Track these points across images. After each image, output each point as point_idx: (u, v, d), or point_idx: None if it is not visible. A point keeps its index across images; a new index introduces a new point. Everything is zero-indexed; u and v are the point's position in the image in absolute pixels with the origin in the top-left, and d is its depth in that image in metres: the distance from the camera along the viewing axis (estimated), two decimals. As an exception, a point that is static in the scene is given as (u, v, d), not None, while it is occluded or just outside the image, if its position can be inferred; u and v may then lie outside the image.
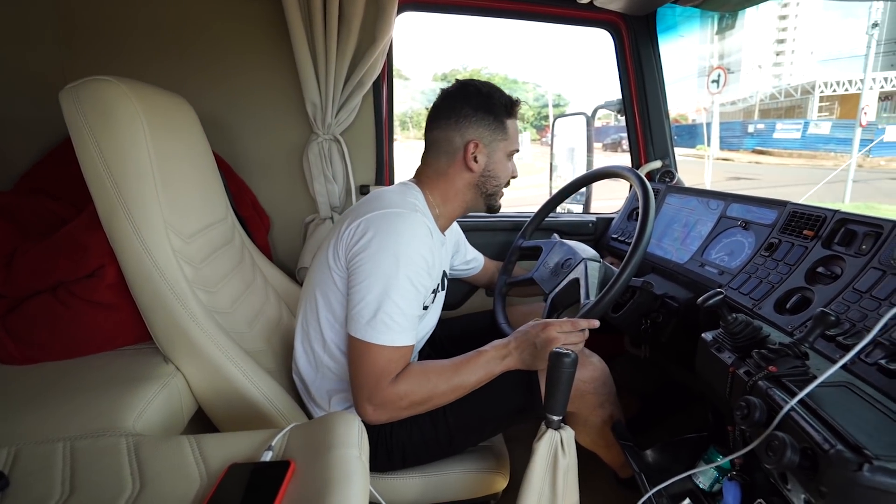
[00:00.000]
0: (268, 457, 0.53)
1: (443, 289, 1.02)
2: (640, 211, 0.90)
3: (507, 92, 0.91)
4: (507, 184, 0.97)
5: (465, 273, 1.25)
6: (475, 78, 0.94)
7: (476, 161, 0.88)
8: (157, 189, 0.78)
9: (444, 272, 1.03)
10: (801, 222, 0.87)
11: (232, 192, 1.20)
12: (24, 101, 1.12)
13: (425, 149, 0.93)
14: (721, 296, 0.70)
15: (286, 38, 1.19)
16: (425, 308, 0.89)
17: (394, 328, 0.75)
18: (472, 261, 1.23)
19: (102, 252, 0.78)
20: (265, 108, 1.31)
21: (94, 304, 0.80)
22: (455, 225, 1.14)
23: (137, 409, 0.67)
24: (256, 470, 0.51)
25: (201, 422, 0.83)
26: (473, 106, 0.87)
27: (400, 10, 1.32)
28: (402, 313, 0.76)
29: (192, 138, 0.98)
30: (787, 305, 0.78)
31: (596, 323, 0.84)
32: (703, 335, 0.77)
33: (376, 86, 1.33)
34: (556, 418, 0.73)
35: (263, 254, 1.23)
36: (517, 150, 0.95)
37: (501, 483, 0.94)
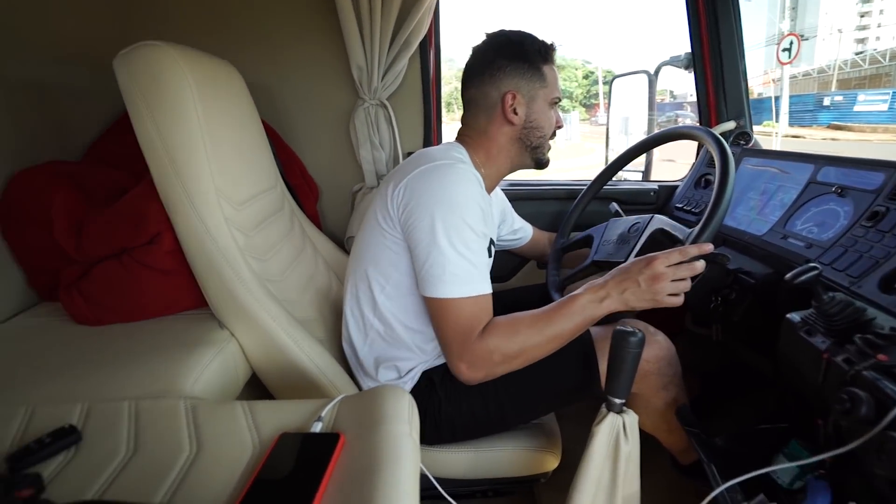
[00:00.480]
0: (318, 428, 0.52)
1: (490, 256, 0.98)
2: (716, 177, 0.80)
3: (540, 38, 0.85)
4: (553, 135, 0.92)
5: (512, 244, 1.20)
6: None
7: (516, 113, 0.84)
8: (208, 156, 0.78)
9: (492, 240, 0.99)
10: (917, 188, 0.75)
11: (281, 160, 1.20)
12: (88, 72, 1.15)
13: (464, 111, 0.89)
14: (817, 271, 0.62)
15: (333, 6, 1.15)
16: None
17: (465, 278, 0.72)
18: (519, 230, 1.18)
19: (159, 219, 0.80)
20: (311, 74, 1.29)
21: (154, 270, 0.83)
22: (500, 193, 1.09)
23: (195, 372, 0.68)
24: (307, 441, 0.50)
25: (258, 388, 0.86)
26: (506, 56, 0.83)
27: (449, -36, 1.23)
28: (469, 262, 0.73)
29: (241, 105, 0.98)
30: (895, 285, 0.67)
31: (709, 247, 0.75)
32: (788, 316, 0.68)
33: (423, 48, 1.27)
34: (618, 401, 0.68)
35: (313, 223, 1.23)
36: (559, 98, 0.90)
37: (552, 462, 0.91)
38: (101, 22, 1.19)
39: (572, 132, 16.59)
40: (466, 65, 0.88)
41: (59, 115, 1.08)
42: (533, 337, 0.75)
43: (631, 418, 0.70)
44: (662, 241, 0.92)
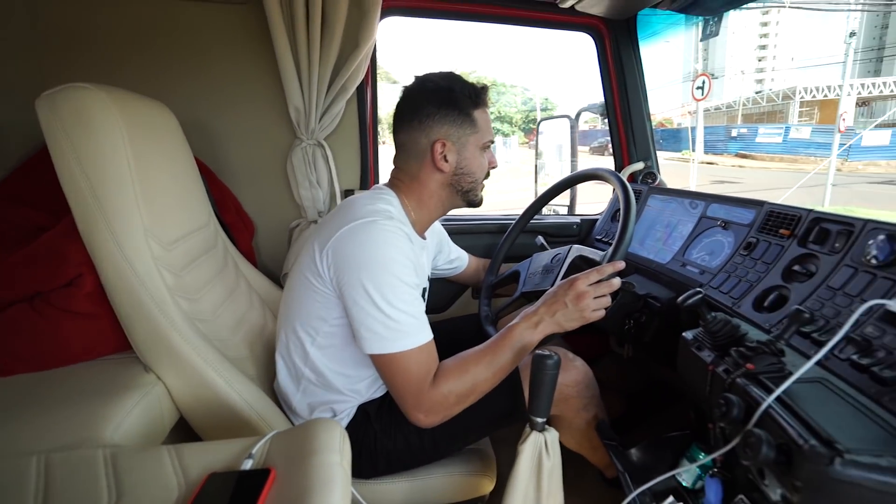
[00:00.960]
0: (248, 465, 0.52)
1: (427, 293, 1.02)
2: (621, 210, 0.91)
3: (471, 81, 0.87)
4: (487, 175, 0.93)
5: (449, 272, 1.25)
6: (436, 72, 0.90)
7: (446, 160, 0.85)
8: (137, 196, 0.77)
9: (425, 288, 1.02)
10: (777, 221, 0.89)
11: (215, 197, 1.19)
12: (1, 108, 1.10)
13: (395, 152, 0.91)
14: (700, 295, 0.71)
15: (269, 44, 1.19)
16: None
17: (408, 331, 0.74)
18: (455, 259, 1.22)
19: (80, 261, 0.77)
20: (248, 114, 1.30)
21: (72, 314, 0.79)
22: (437, 224, 1.13)
23: (116, 419, 0.65)
24: (236, 479, 0.50)
25: (184, 430, 0.82)
26: (434, 103, 0.83)
27: (383, 15, 1.32)
28: (408, 315, 0.75)
29: (173, 145, 0.98)
30: (765, 303, 0.79)
31: (622, 265, 0.84)
32: (683, 334, 0.78)
33: (360, 91, 1.33)
34: (540, 420, 0.74)
35: (248, 259, 1.22)
36: (492, 141, 0.91)
37: (488, 485, 0.94)
38: (19, 56, 1.14)
39: (511, 156, 17.35)
40: (396, 107, 0.88)
41: (-37, 151, 1.02)
42: (481, 373, 0.79)
43: (552, 436, 0.75)
44: (581, 265, 1.01)
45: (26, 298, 0.81)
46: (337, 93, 1.25)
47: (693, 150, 9.68)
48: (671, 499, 0.76)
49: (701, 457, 0.75)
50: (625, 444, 0.92)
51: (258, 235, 1.37)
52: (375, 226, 0.76)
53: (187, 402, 0.79)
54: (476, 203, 0.94)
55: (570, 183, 1.20)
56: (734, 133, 20.47)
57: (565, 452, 1.01)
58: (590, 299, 0.81)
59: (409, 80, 0.90)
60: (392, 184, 0.91)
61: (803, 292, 0.74)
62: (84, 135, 0.71)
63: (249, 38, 1.24)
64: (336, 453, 0.53)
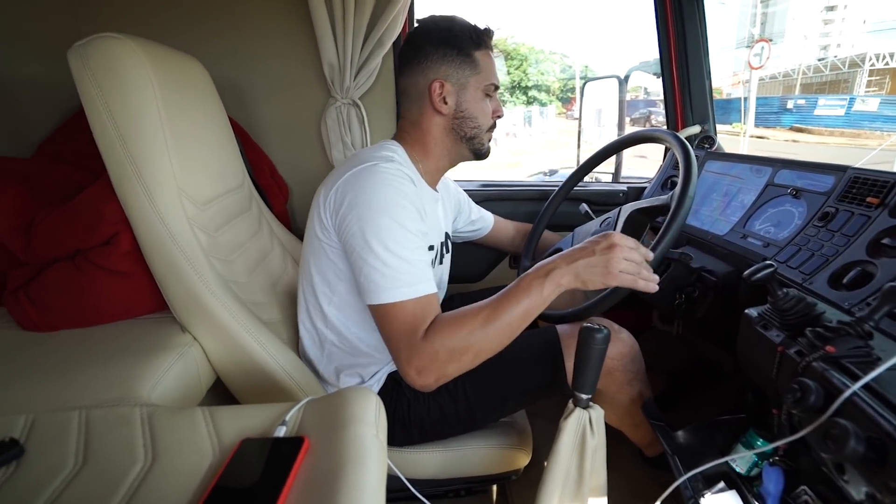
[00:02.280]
0: (282, 432, 0.51)
1: (448, 251, 0.98)
2: (680, 176, 0.82)
3: (473, 23, 0.82)
4: (493, 126, 0.88)
5: (472, 234, 1.19)
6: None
7: (445, 102, 0.81)
8: (170, 153, 0.76)
9: (447, 234, 0.98)
10: (863, 189, 0.79)
11: (250, 159, 1.17)
12: (43, 67, 1.10)
13: (401, 101, 0.87)
14: (772, 269, 0.64)
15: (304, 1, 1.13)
16: None
17: (405, 279, 0.69)
18: (477, 220, 1.17)
19: (117, 219, 0.77)
20: (282, 72, 1.26)
21: (110, 272, 0.79)
22: (453, 186, 1.08)
23: (153, 378, 0.66)
24: (269, 446, 0.49)
25: (221, 392, 0.83)
26: (433, 42, 0.80)
27: (421, -37, 1.23)
28: (406, 262, 0.70)
29: (207, 102, 0.95)
30: (844, 280, 0.71)
31: (650, 255, 0.73)
32: (746, 311, 0.71)
33: (396, 47, 1.26)
34: (585, 397, 0.69)
35: (282, 223, 1.21)
36: (496, 86, 0.85)
37: (524, 459, 0.92)
38: (58, 12, 1.13)
39: (548, 126, 16.79)
40: (399, 52, 0.85)
41: (8, 109, 1.03)
42: (478, 329, 0.69)
43: (597, 413, 0.71)
44: (641, 219, 0.94)
45: (68, 256, 0.82)
46: (373, 47, 1.19)
47: (745, 123, 9.03)
48: (722, 484, 0.71)
49: (759, 443, 0.69)
50: (669, 425, 0.87)
51: (292, 198, 1.36)
52: (375, 169, 0.73)
53: (223, 364, 0.79)
54: (483, 153, 0.89)
55: (620, 146, 1.11)
56: (790, 104, 18.96)
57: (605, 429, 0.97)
58: (621, 255, 0.69)
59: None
60: (397, 136, 0.87)
61: (895, 269, 0.65)
62: (115, 87, 0.70)
63: None
64: (372, 424, 0.51)
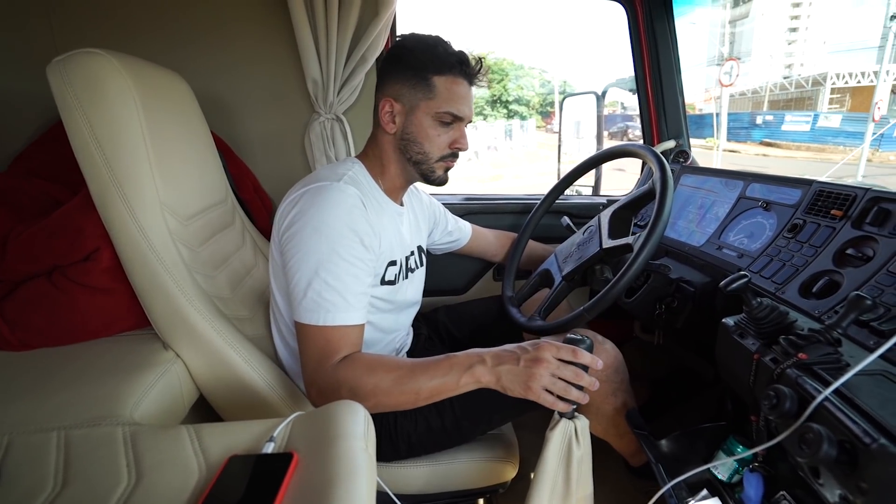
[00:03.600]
0: (269, 448, 0.50)
1: (420, 265, 0.99)
2: (657, 190, 0.85)
3: (452, 49, 0.80)
4: (450, 156, 0.84)
5: (451, 246, 1.20)
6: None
7: (394, 122, 0.81)
8: (152, 168, 0.75)
9: (420, 247, 0.99)
10: (828, 202, 0.83)
11: (233, 174, 1.16)
12: (17, 80, 1.08)
13: None
14: (746, 279, 0.66)
15: (286, 13, 1.14)
16: (390, 283, 0.85)
17: (325, 306, 0.69)
18: (455, 231, 1.17)
19: (97, 234, 0.75)
20: (265, 87, 1.26)
21: (89, 289, 0.78)
22: (427, 199, 1.08)
23: (135, 396, 0.64)
24: (257, 462, 0.48)
25: (204, 409, 0.81)
26: (391, 60, 0.80)
27: (404, -17, 1.26)
28: (333, 290, 0.70)
29: (189, 116, 0.95)
30: (814, 289, 0.74)
31: (600, 363, 0.68)
32: (724, 321, 0.73)
33: (379, 63, 1.28)
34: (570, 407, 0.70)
35: (266, 238, 1.20)
36: (452, 115, 0.80)
37: (511, 472, 0.92)
38: (34, 25, 1.12)
39: (528, 140, 17.03)
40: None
41: (-19, 123, 1.00)
42: (386, 382, 0.68)
43: (582, 423, 0.72)
44: (625, 215, 0.97)
45: (45, 272, 0.80)
46: (356, 64, 1.20)
47: (717, 138, 9.36)
48: (705, 492, 0.73)
49: (740, 450, 0.71)
50: (653, 434, 0.88)
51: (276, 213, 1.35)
52: (325, 190, 0.74)
53: (206, 381, 0.78)
54: (433, 180, 0.86)
55: (599, 160, 1.14)
56: (759, 120, 19.73)
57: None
58: (546, 371, 0.65)
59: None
60: (362, 152, 0.89)
61: (859, 278, 0.69)
62: (96, 102, 0.69)
63: (266, 7, 1.20)
64: (361, 439, 0.51)
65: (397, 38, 0.85)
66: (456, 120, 0.82)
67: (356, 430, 0.52)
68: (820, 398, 0.51)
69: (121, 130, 0.71)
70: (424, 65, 0.78)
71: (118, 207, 0.71)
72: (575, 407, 0.71)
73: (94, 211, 0.74)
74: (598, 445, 0.98)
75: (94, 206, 0.74)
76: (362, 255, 0.74)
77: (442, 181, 0.87)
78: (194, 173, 0.91)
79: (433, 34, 0.82)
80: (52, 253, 0.78)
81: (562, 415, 0.71)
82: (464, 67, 0.80)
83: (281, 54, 1.23)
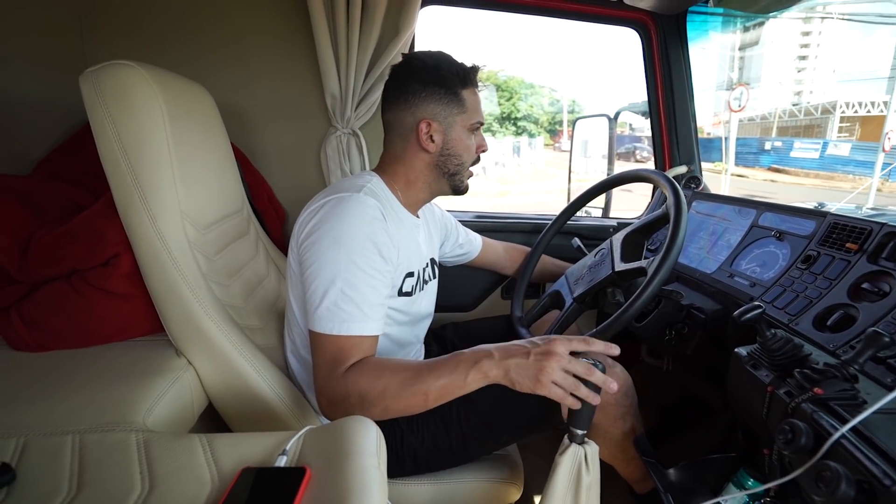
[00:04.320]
0: (282, 462, 0.50)
1: (434, 277, 0.99)
2: (671, 216, 0.86)
3: (459, 61, 0.83)
4: (476, 160, 0.89)
5: (461, 258, 1.20)
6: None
7: (432, 140, 0.82)
8: (175, 177, 0.76)
9: (433, 259, 1.00)
10: (842, 234, 0.83)
11: (249, 184, 1.18)
12: (45, 86, 1.11)
13: (384, 133, 0.88)
14: (760, 310, 0.66)
15: (308, 28, 1.17)
16: (407, 294, 0.85)
17: (341, 316, 0.69)
18: (465, 244, 1.17)
19: (118, 240, 0.77)
20: (284, 100, 1.29)
21: (107, 294, 0.79)
22: (439, 211, 1.09)
23: (148, 403, 0.65)
24: (271, 475, 0.48)
25: (211, 418, 0.81)
26: (420, 80, 0.80)
27: (424, 4, 1.29)
28: (349, 300, 0.70)
29: (211, 127, 0.97)
30: (828, 322, 0.74)
31: (616, 350, 0.69)
32: (736, 350, 0.73)
33: (398, 80, 1.30)
34: (580, 432, 0.70)
35: (278, 248, 1.21)
36: (481, 123, 0.86)
37: (515, 494, 0.91)
38: (65, 34, 1.15)
39: (536, 157, 17.12)
40: (384, 85, 0.86)
41: (7, 126, 1.03)
42: (394, 385, 0.66)
43: (592, 449, 0.71)
44: (638, 239, 0.97)
45: (64, 275, 0.81)
46: (374, 81, 1.23)
47: (725, 162, 9.39)
48: (714, 524, 0.72)
49: (751, 483, 0.70)
50: (661, 461, 0.87)
51: (288, 224, 1.37)
52: (347, 200, 0.74)
53: (217, 390, 0.78)
54: (461, 190, 0.90)
55: (612, 184, 1.15)
56: (768, 146, 19.80)
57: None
58: (557, 366, 0.64)
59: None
60: (379, 166, 0.89)
61: (875, 313, 0.69)
62: (125, 112, 0.71)
63: (288, 22, 1.23)
64: (373, 456, 0.51)
65: (402, 55, 0.87)
66: (480, 126, 0.87)
67: (368, 446, 0.52)
68: (837, 435, 0.50)
69: (147, 140, 0.73)
70: (454, 81, 0.81)
71: (140, 214, 0.73)
72: (584, 433, 0.70)
73: (116, 217, 0.75)
74: (603, 471, 0.97)
75: (116, 213, 0.75)
76: (380, 267, 0.75)
77: (467, 189, 0.91)
78: (213, 183, 0.92)
79: (436, 50, 0.85)
80: (73, 256, 0.79)
81: (571, 440, 0.70)
82: (475, 76, 0.85)
83: (301, 69, 1.25)
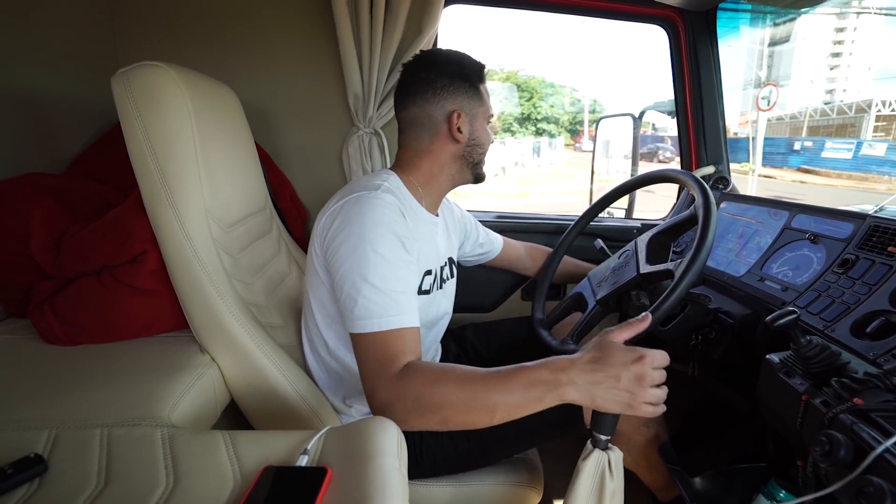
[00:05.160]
0: (303, 461, 0.50)
1: (452, 276, 0.99)
2: (700, 217, 0.83)
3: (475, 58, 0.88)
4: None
5: (481, 258, 1.20)
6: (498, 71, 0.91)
7: (461, 131, 0.84)
8: (200, 176, 0.78)
9: (451, 259, 0.99)
10: (884, 237, 0.79)
11: (271, 183, 1.20)
12: (78, 86, 1.14)
13: (400, 130, 0.88)
14: (795, 315, 0.64)
15: (332, 29, 1.18)
16: (426, 293, 0.85)
17: (377, 311, 0.68)
18: (485, 243, 1.17)
19: (145, 238, 0.78)
20: (307, 100, 1.30)
21: (134, 290, 0.80)
22: (458, 211, 1.09)
23: (173, 398, 0.66)
24: (292, 475, 0.48)
25: (233, 415, 0.82)
26: (448, 74, 0.83)
27: (447, 3, 1.29)
28: (382, 294, 0.68)
29: (236, 127, 0.98)
30: (868, 330, 0.70)
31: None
32: (768, 357, 0.70)
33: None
34: (604, 438, 0.68)
35: (300, 247, 1.22)
36: (493, 115, 0.92)
37: (535, 498, 0.90)
38: (99, 36, 1.19)
39: (556, 158, 16.93)
40: (401, 82, 0.87)
41: (43, 126, 1.06)
42: (455, 396, 0.62)
43: (616, 455, 0.69)
44: (664, 241, 0.95)
45: (95, 271, 0.83)
46: (397, 80, 1.22)
47: (752, 162, 9.10)
48: (743, 536, 0.69)
49: (783, 495, 0.68)
50: (686, 469, 0.85)
51: (310, 222, 1.38)
52: (365, 197, 0.75)
53: (239, 387, 0.79)
54: (482, 177, 0.93)
55: (638, 184, 1.12)
56: (797, 146, 19.14)
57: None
58: (651, 385, 0.61)
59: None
60: (396, 164, 0.89)
61: (919, 321, 0.65)
62: (154, 112, 0.72)
63: (312, 23, 1.24)
64: (395, 458, 0.51)
65: (420, 51, 0.90)
66: (492, 118, 0.92)
67: (389, 447, 0.52)
68: (881, 449, 0.48)
69: (174, 139, 0.74)
70: (474, 76, 0.86)
71: (167, 213, 0.74)
72: (609, 438, 0.69)
73: (144, 215, 0.77)
74: (626, 477, 0.94)
75: (144, 211, 0.76)
76: (406, 259, 0.74)
77: (484, 176, 0.94)
78: (238, 181, 0.94)
79: (450, 48, 0.90)
80: (102, 253, 0.81)
81: (595, 445, 0.69)
82: (485, 73, 0.90)
83: (324, 69, 1.27)
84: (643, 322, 0.68)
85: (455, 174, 0.89)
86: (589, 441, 0.70)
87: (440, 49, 0.90)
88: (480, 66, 0.88)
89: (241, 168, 0.97)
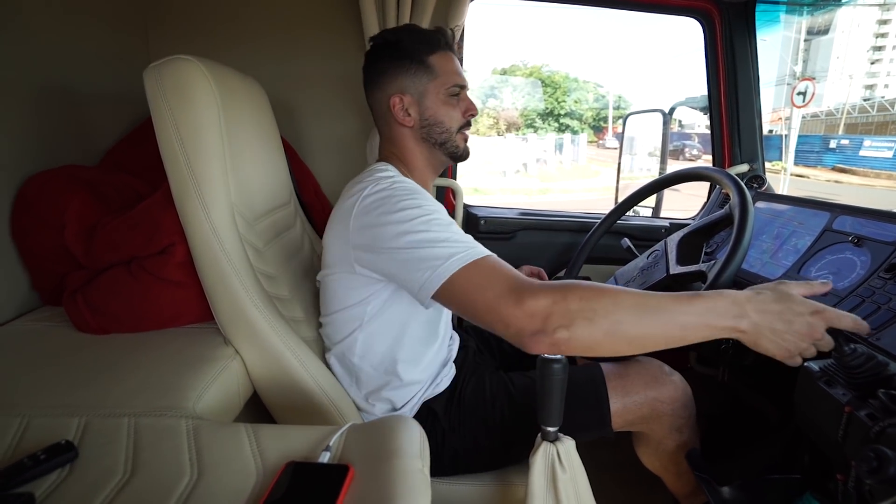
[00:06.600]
0: (325, 458, 0.50)
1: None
2: (736, 217, 0.80)
3: (425, 27, 0.85)
4: (467, 125, 0.85)
5: None
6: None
7: (409, 114, 0.81)
8: (227, 170, 0.78)
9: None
10: (937, 242, 0.74)
11: (296, 177, 1.20)
12: (111, 80, 1.17)
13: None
14: None
15: (358, 23, 1.18)
16: None
17: (456, 248, 0.62)
18: None
19: (174, 230, 0.79)
20: (332, 94, 1.31)
21: (162, 281, 0.82)
22: None
23: (197, 389, 0.66)
24: (314, 471, 0.48)
25: (254, 408, 0.83)
26: (385, 57, 0.81)
27: (474, -4, 1.27)
28: (451, 231, 0.65)
29: (263, 121, 0.99)
30: (918, 339, 0.66)
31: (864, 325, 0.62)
32: (807, 364, 0.67)
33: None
34: (551, 429, 0.66)
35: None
36: (459, 85, 0.82)
37: (555, 500, 0.88)
38: (131, 30, 1.21)
39: (579, 154, 16.65)
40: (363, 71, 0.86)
41: (79, 119, 1.09)
42: (628, 300, 0.57)
43: (566, 445, 0.66)
44: (696, 241, 0.93)
45: (125, 262, 0.85)
46: (422, 75, 1.21)
47: (784, 161, 8.75)
48: (776, 551, 0.66)
49: (820, 510, 0.65)
50: (715, 478, 0.82)
51: (333, 217, 1.39)
52: (377, 181, 0.74)
53: (262, 380, 0.80)
54: (459, 155, 0.86)
55: (669, 182, 1.09)
56: (832, 144, 18.33)
57: (643, 472, 0.92)
58: (824, 326, 0.59)
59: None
60: (381, 156, 0.89)
61: (977, 332, 0.61)
62: (184, 105, 0.73)
63: (339, 16, 1.24)
64: (417, 458, 0.50)
65: (369, 41, 0.86)
66: (462, 89, 0.84)
67: (412, 447, 0.51)
68: (933, 468, 0.45)
69: (202, 132, 0.75)
70: (417, 49, 0.80)
71: (195, 206, 0.75)
72: (557, 429, 0.66)
73: (173, 207, 0.78)
74: (650, 482, 0.92)
75: (173, 203, 0.78)
76: (437, 207, 0.73)
77: (466, 153, 0.88)
78: (264, 175, 0.94)
79: (399, 26, 0.86)
80: (132, 244, 0.83)
81: (544, 437, 0.67)
82: (446, 40, 0.83)
83: (350, 64, 1.26)
84: (825, 286, 0.64)
85: (427, 157, 0.86)
86: (539, 434, 0.68)
87: (385, 30, 0.86)
88: (427, 36, 0.81)
89: (267, 162, 0.98)
